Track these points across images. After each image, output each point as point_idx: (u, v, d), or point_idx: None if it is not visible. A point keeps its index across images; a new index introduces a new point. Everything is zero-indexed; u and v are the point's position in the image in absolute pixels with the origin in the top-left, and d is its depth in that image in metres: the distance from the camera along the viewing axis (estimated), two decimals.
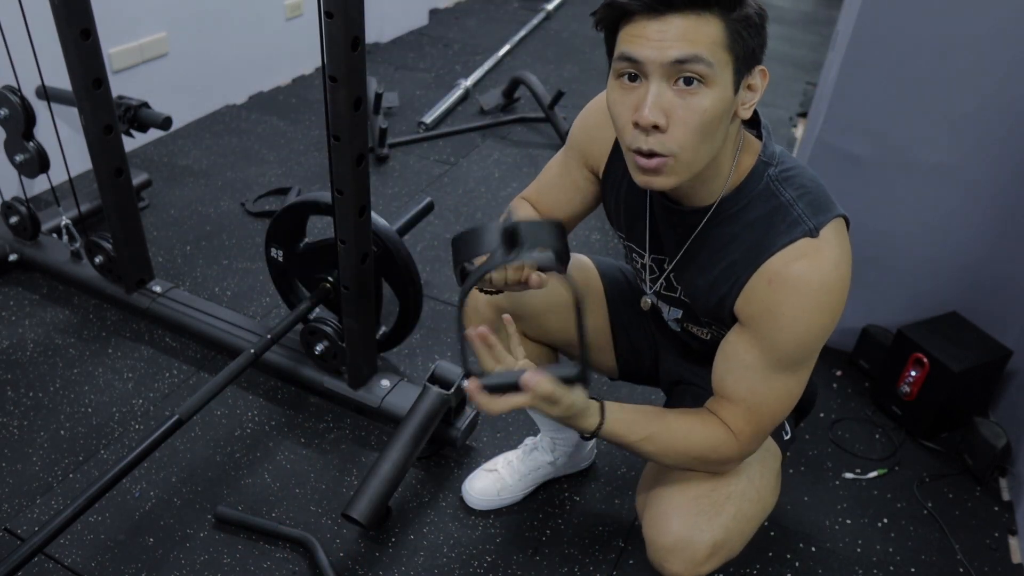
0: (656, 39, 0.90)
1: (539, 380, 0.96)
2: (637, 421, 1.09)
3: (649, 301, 1.26)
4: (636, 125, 0.93)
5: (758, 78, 0.97)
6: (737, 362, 1.06)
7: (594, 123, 1.20)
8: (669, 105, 0.92)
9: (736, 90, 0.94)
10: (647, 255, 1.20)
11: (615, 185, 1.20)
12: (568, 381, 0.99)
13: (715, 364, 1.11)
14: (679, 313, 1.23)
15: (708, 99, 0.91)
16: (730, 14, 0.90)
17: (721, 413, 1.09)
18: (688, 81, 0.91)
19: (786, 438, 1.30)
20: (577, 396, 1.02)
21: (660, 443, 1.09)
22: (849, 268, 1.01)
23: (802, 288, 0.98)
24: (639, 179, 0.99)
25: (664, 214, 1.12)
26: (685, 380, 1.36)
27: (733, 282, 1.05)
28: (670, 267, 1.16)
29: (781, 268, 1.00)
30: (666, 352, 1.40)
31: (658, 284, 1.22)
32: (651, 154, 0.95)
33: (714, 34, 0.90)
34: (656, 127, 0.92)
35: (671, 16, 0.89)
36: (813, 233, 0.99)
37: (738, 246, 1.05)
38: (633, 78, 0.93)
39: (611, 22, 0.94)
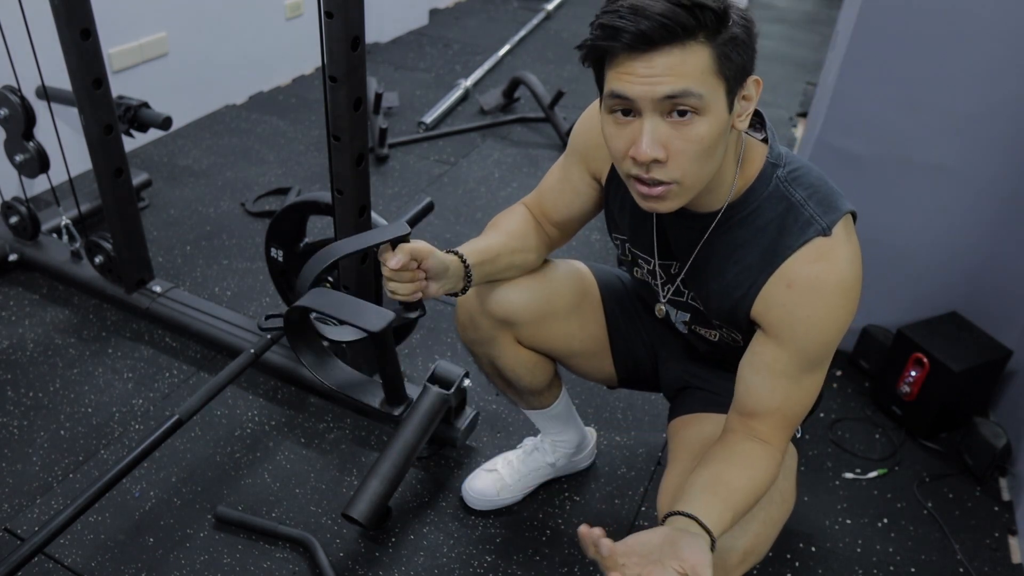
0: (644, 75, 0.89)
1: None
2: (725, 510, 1.00)
3: (663, 308, 1.25)
4: (635, 159, 0.94)
5: (752, 88, 0.96)
6: (768, 371, 1.06)
7: (598, 132, 1.17)
8: (666, 138, 0.92)
9: (731, 108, 0.94)
10: (654, 261, 1.20)
11: (618, 192, 1.20)
12: None
13: (743, 376, 1.10)
14: (687, 316, 1.23)
15: (704, 126, 0.91)
16: (716, 39, 0.89)
17: (754, 424, 1.08)
18: (682, 113, 0.91)
19: (798, 436, 1.30)
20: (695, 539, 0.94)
21: (743, 507, 1.03)
22: (861, 263, 1.02)
23: (822, 289, 1.00)
24: (642, 204, 1.00)
25: (673, 219, 1.12)
26: (691, 385, 1.36)
27: (749, 285, 1.05)
28: (680, 272, 1.16)
29: (799, 271, 1.01)
30: (668, 356, 1.40)
31: (666, 289, 1.22)
32: (653, 183, 0.95)
33: (702, 63, 0.89)
34: (656, 160, 0.93)
35: (655, 52, 0.88)
36: (826, 232, 1.00)
37: (752, 249, 1.05)
38: (627, 112, 0.94)
39: (596, 59, 0.95)
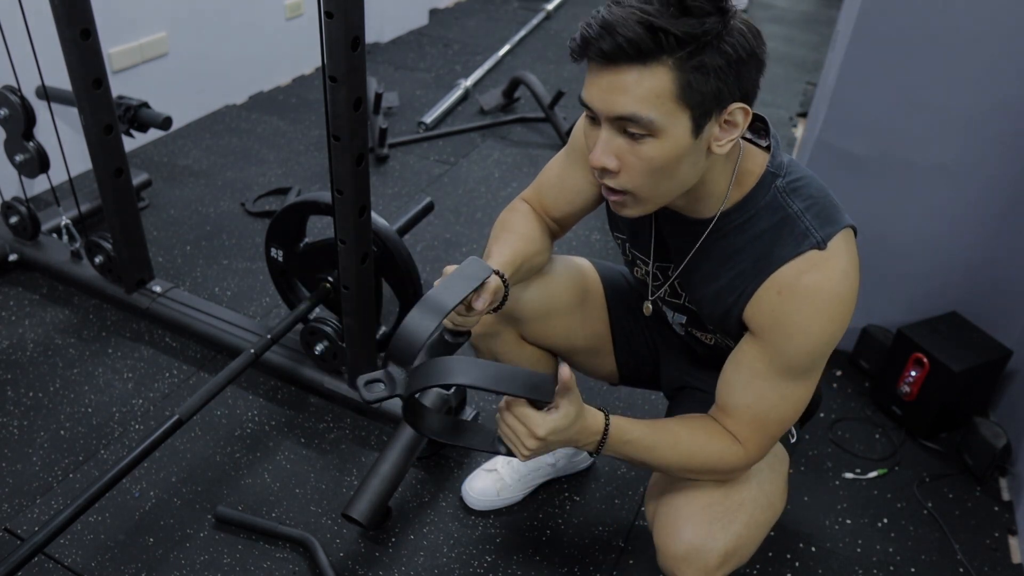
0: (604, 89, 0.90)
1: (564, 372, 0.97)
2: (640, 433, 1.06)
3: (650, 307, 1.26)
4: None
5: (738, 116, 0.93)
6: (747, 370, 1.06)
7: None
8: (619, 150, 0.94)
9: (697, 133, 0.92)
10: (651, 263, 1.20)
11: None
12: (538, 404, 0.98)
13: (724, 373, 1.10)
14: (683, 318, 1.23)
15: (655, 149, 0.92)
16: (684, 64, 0.87)
17: (727, 422, 1.08)
18: (632, 132, 0.92)
19: (792, 441, 1.30)
20: (580, 410, 1.01)
21: (663, 454, 1.07)
22: (857, 278, 1.01)
23: (812, 298, 0.99)
24: (611, 205, 1.04)
25: (668, 223, 1.13)
26: (689, 385, 1.36)
27: (740, 292, 1.05)
28: (675, 275, 1.16)
29: (791, 279, 1.00)
30: (668, 356, 1.40)
31: (662, 291, 1.22)
32: (608, 189, 0.99)
33: (660, 87, 0.88)
34: (607, 169, 0.95)
35: (617, 68, 0.88)
36: (821, 245, 0.99)
37: (745, 257, 1.05)
38: (595, 119, 0.95)
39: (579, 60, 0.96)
